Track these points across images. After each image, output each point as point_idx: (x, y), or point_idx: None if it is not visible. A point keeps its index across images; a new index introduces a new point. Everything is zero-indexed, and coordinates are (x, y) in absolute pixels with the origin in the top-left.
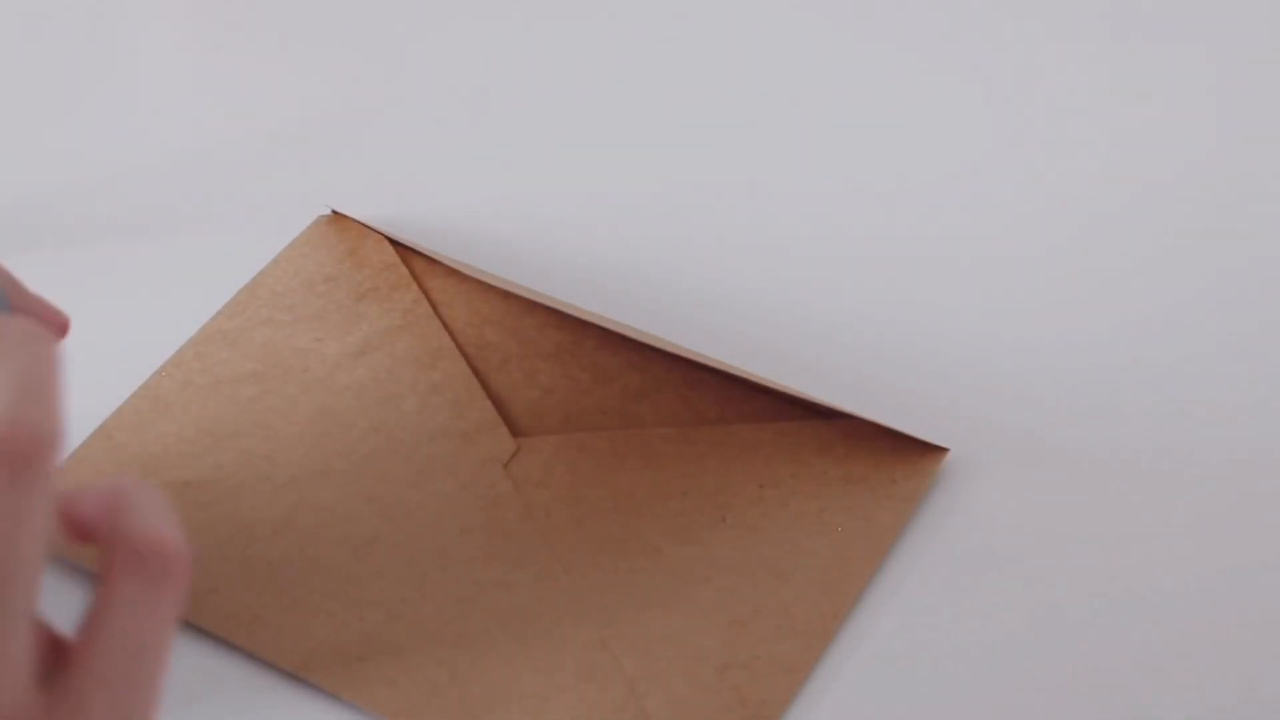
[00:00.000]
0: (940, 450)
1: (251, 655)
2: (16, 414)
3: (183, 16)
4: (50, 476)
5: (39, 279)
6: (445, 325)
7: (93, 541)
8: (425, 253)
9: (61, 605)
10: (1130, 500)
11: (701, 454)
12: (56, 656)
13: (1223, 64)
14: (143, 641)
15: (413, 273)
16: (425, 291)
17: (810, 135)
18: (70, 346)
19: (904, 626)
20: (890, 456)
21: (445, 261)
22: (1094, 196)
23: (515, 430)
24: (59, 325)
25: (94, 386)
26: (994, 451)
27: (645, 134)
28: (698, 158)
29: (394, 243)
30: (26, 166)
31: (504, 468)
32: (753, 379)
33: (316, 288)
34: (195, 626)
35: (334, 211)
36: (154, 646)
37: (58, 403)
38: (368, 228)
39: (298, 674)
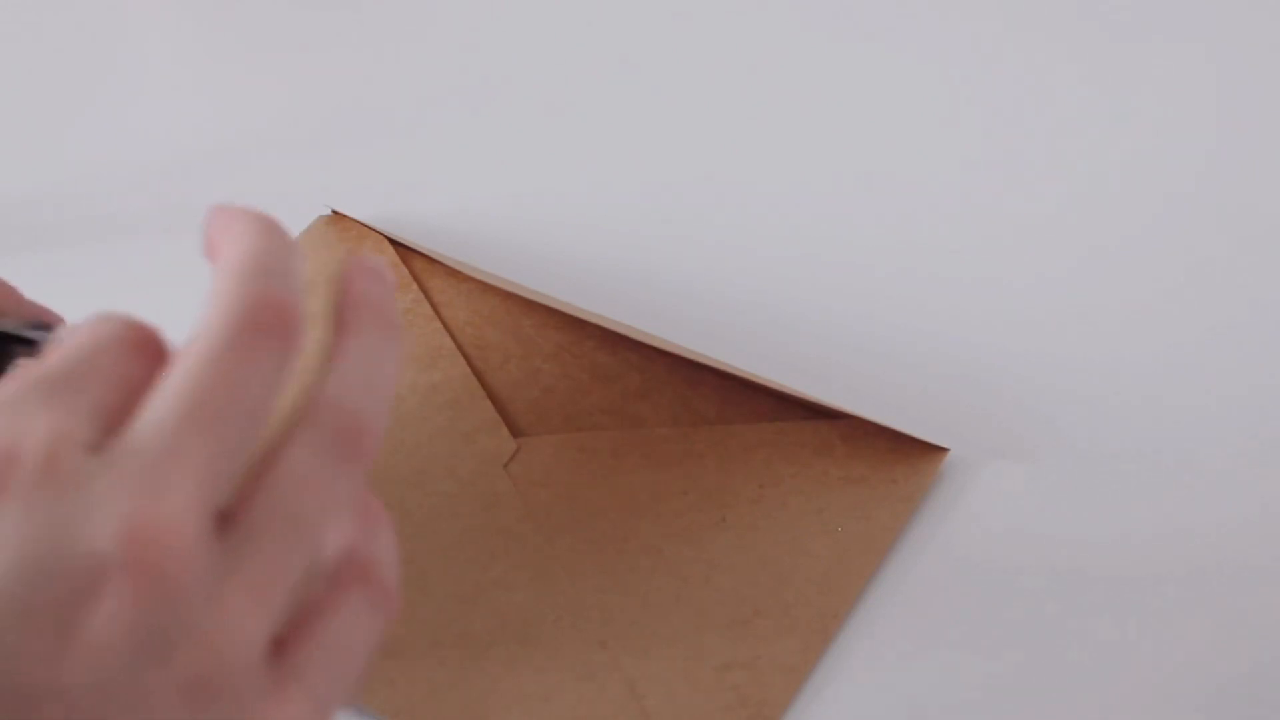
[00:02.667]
0: (940, 450)
1: None
2: (268, 288)
3: (184, 16)
4: (296, 350)
5: (39, 278)
6: (445, 325)
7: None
8: (425, 253)
9: None
10: (1130, 500)
11: (701, 454)
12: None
13: (1224, 64)
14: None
15: (413, 273)
16: (425, 291)
17: (811, 136)
18: None
19: (904, 626)
20: (890, 456)
21: (445, 261)
22: (1095, 197)
23: (515, 430)
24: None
25: None
26: (994, 451)
27: (646, 133)
28: (698, 157)
29: (394, 243)
30: (26, 166)
31: (504, 468)
32: (753, 379)
33: (316, 288)
34: None
35: (334, 211)
36: (324, 505)
37: (299, 276)
38: (368, 228)
39: None
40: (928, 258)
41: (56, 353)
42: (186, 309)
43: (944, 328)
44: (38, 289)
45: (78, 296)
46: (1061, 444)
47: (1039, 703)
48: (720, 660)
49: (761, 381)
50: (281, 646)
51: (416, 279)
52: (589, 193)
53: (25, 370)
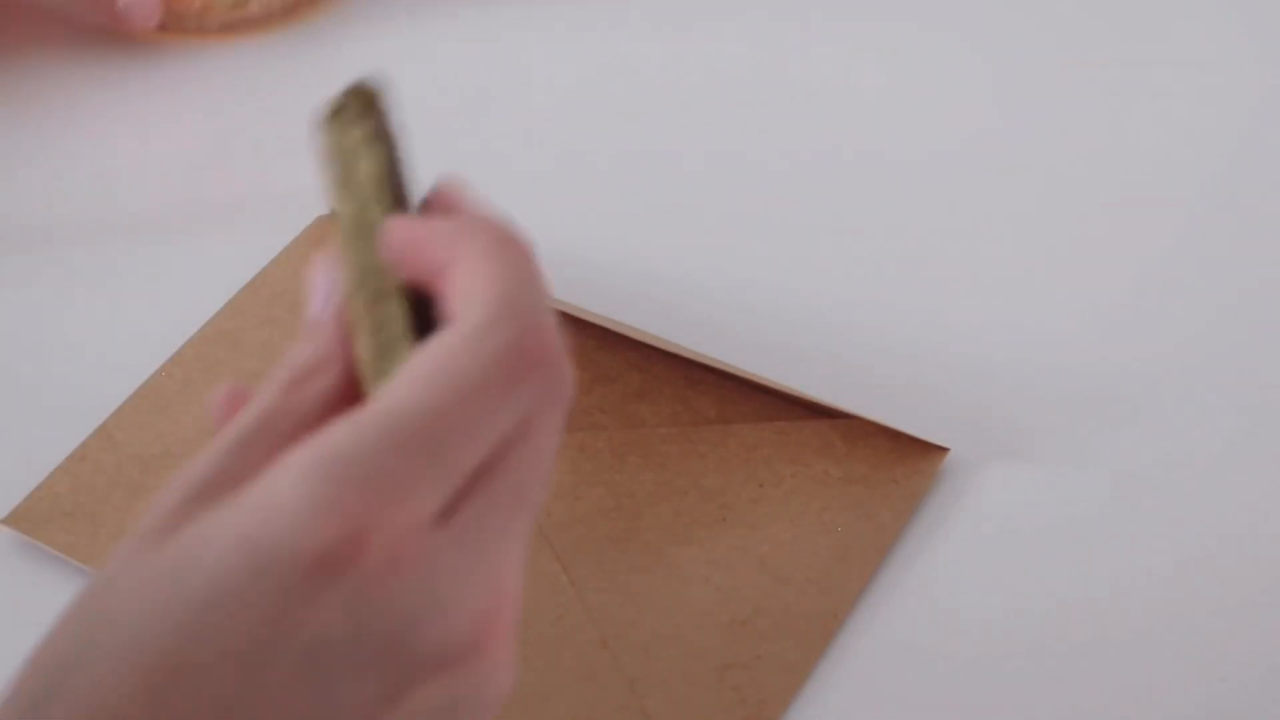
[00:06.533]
0: (940, 450)
1: None
2: (538, 329)
3: None
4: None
5: (39, 278)
6: None
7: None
8: None
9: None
10: (1131, 501)
11: (702, 453)
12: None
13: (1227, 66)
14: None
15: None
16: None
17: (811, 135)
18: (70, 346)
19: (904, 626)
20: (890, 456)
21: None
22: (1097, 198)
23: None
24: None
25: (94, 386)
26: (994, 451)
27: (645, 132)
28: (697, 157)
29: None
30: (27, 166)
31: None
32: (753, 379)
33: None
34: None
35: (333, 212)
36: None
37: (549, 306)
38: None
39: None
40: (928, 258)
41: (441, 377)
42: (187, 309)
43: (944, 327)
44: (37, 288)
45: (79, 296)
46: (1061, 444)
47: (1039, 703)
48: (720, 660)
49: (761, 381)
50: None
51: None
52: (588, 192)
53: (385, 406)
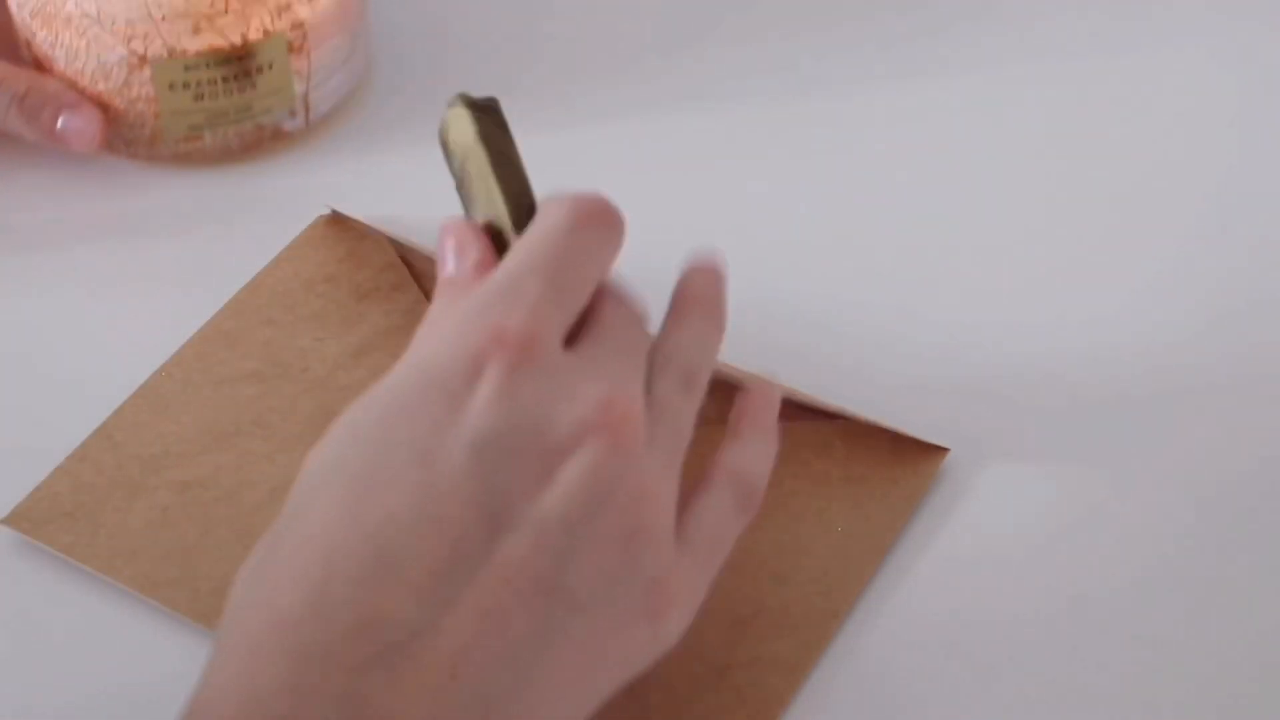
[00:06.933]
0: (940, 450)
1: None
2: (594, 197)
3: None
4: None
5: (40, 278)
6: None
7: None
8: (425, 253)
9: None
10: (1131, 501)
11: (702, 454)
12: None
13: (1226, 67)
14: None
15: (413, 273)
16: (425, 291)
17: (811, 134)
18: (70, 346)
19: (904, 626)
20: (890, 456)
21: None
22: (1099, 200)
23: None
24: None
25: (95, 386)
26: (994, 451)
27: (644, 131)
28: (697, 157)
29: (394, 243)
30: (27, 165)
31: None
32: (753, 379)
33: (317, 288)
34: (196, 626)
35: (334, 211)
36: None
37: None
38: (368, 227)
39: None
40: (928, 259)
41: (533, 237)
42: (187, 309)
43: (945, 328)
44: (38, 288)
45: (79, 296)
46: (1062, 444)
47: (1039, 703)
48: (720, 660)
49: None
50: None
51: (416, 279)
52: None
53: (511, 257)
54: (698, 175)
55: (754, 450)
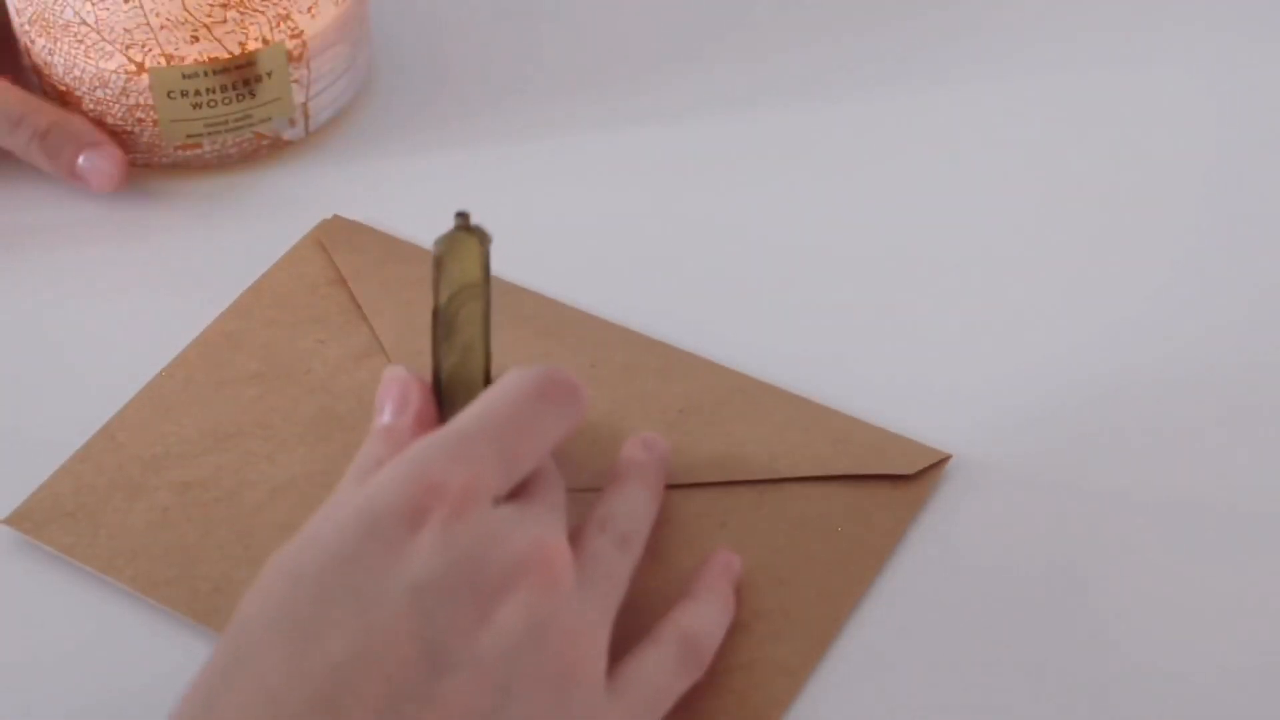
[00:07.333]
0: (941, 454)
1: None
2: (561, 371)
3: None
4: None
5: (44, 282)
6: None
7: None
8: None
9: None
10: (1131, 504)
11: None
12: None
13: (1228, 78)
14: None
15: (413, 274)
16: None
17: (811, 133)
18: (74, 347)
19: (904, 630)
20: (891, 460)
21: None
22: (1099, 201)
23: None
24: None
25: (97, 387)
26: (994, 453)
27: (643, 132)
28: (697, 157)
29: (394, 243)
30: (30, 170)
31: None
32: (753, 380)
33: (319, 290)
34: (196, 625)
35: (336, 215)
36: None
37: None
38: (368, 228)
39: None
40: (933, 264)
41: (494, 398)
42: (189, 311)
43: (945, 329)
44: (39, 289)
45: (82, 297)
46: (1062, 447)
47: (1039, 705)
48: (720, 662)
49: (762, 383)
50: (610, 670)
51: (417, 281)
52: (589, 192)
53: (470, 413)
54: (698, 180)
55: (707, 612)
